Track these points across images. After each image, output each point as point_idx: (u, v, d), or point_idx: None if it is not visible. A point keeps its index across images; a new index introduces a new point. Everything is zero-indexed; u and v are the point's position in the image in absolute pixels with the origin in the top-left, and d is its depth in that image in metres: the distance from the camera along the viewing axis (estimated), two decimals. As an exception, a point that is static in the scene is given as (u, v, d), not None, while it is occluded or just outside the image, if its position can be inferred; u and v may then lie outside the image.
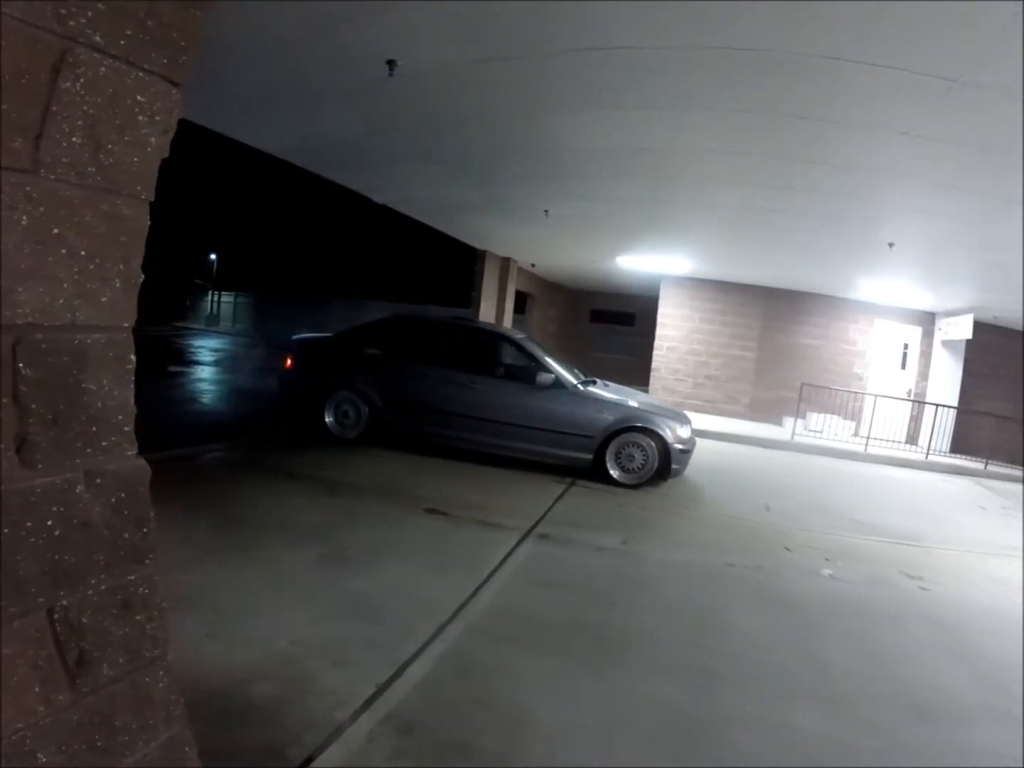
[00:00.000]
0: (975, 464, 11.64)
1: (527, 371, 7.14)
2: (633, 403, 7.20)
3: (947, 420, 12.14)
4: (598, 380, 7.61)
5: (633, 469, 6.82)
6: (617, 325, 18.96)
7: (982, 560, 6.25)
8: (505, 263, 13.50)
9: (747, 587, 4.58)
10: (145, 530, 1.27)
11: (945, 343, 13.07)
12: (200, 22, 1.24)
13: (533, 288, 16.40)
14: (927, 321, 13.36)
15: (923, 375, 13.39)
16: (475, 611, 3.46)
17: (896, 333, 13.45)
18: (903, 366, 13.50)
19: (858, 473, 9.91)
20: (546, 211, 8.23)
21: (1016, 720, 3.27)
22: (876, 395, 12.19)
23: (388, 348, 7.47)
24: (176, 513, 4.22)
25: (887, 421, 12.07)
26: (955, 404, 12.40)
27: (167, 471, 5.30)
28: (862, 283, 11.13)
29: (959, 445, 12.18)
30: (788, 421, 11.92)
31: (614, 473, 6.80)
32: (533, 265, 14.53)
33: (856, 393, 12.57)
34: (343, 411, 7.21)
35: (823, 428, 11.81)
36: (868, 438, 11.44)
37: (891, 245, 7.57)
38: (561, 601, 3.80)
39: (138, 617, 1.27)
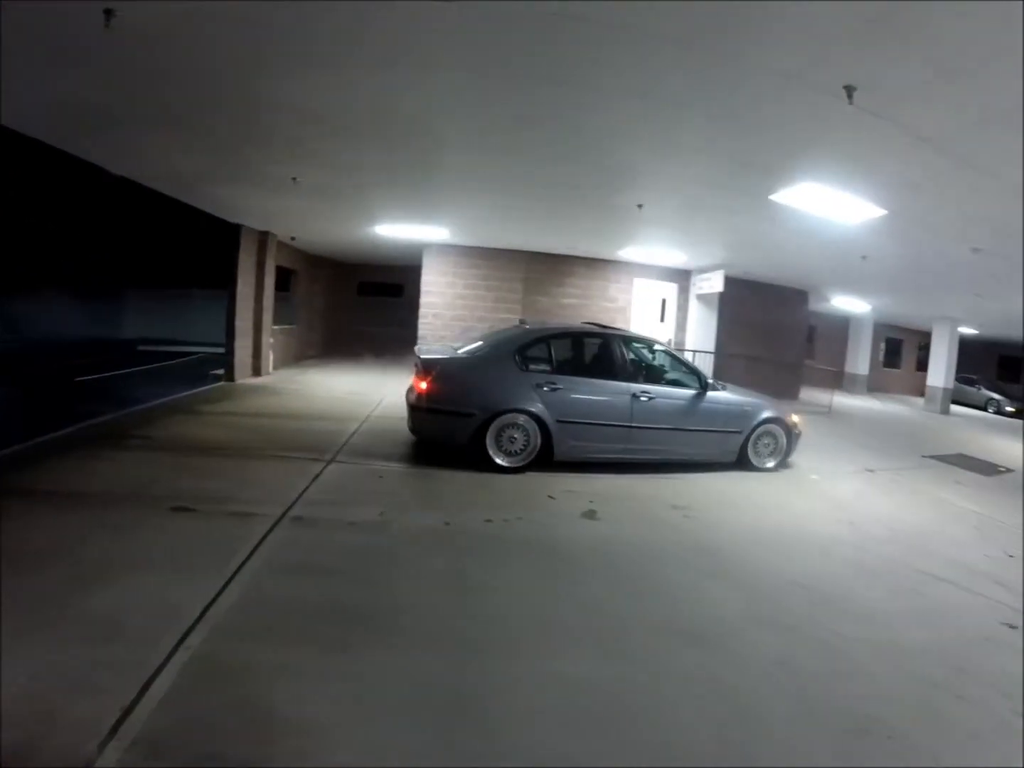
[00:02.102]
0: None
1: (687, 376, 7.80)
2: (763, 399, 8.36)
3: (707, 364, 13.63)
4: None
5: (767, 455, 8.07)
6: (385, 297, 19.18)
7: (741, 483, 7.37)
8: (263, 237, 13.06)
9: (508, 541, 4.81)
10: None
11: (700, 296, 14.67)
12: None
13: (296, 263, 16.02)
14: (683, 278, 15.18)
15: (681, 326, 15.14)
16: (221, 610, 3.37)
17: (654, 290, 15.06)
18: (662, 319, 15.09)
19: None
20: (294, 179, 8.01)
21: (775, 624, 3.83)
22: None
23: (550, 364, 7.35)
24: None
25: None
26: (712, 349, 13.92)
27: None
28: (619, 245, 12.27)
29: (719, 386, 13.84)
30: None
31: (757, 462, 7.98)
32: (293, 238, 14.20)
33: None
34: (509, 436, 6.89)
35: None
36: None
37: (640, 207, 8.27)
38: (319, 585, 3.79)
39: None
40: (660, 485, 6.87)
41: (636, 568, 4.53)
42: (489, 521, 5.18)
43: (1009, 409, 23.13)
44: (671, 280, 15.00)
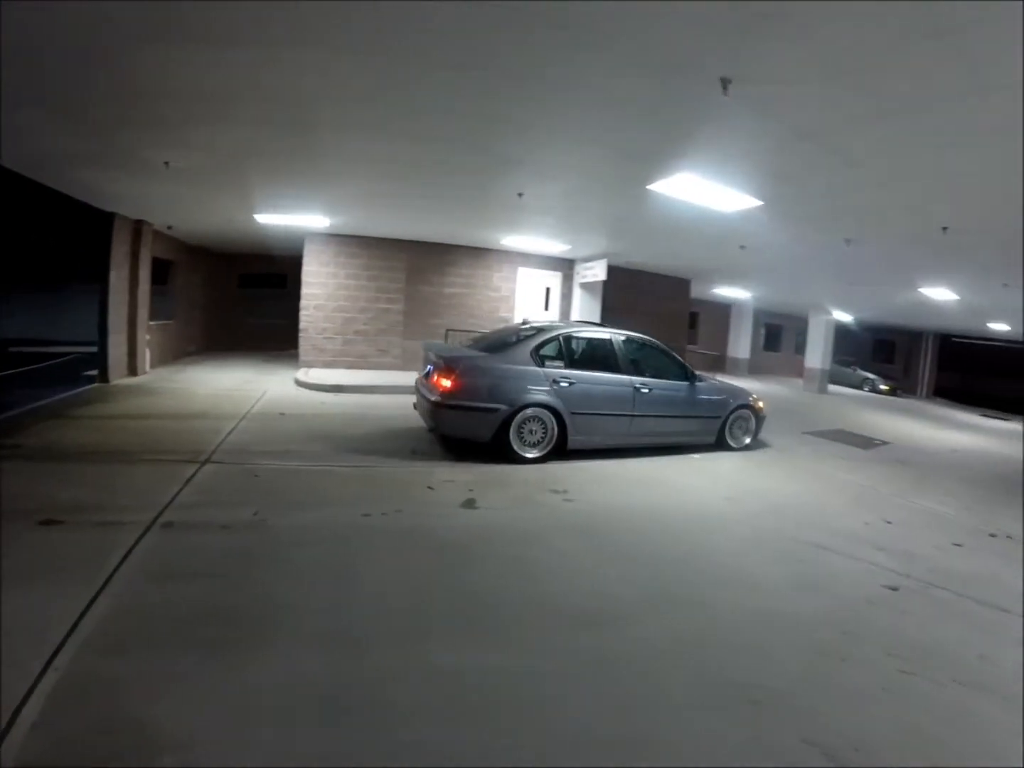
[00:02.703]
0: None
1: (677, 370, 8.73)
2: (736, 388, 9.56)
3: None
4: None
5: (740, 435, 9.23)
6: (268, 288, 18.86)
7: (623, 464, 7.72)
8: (138, 226, 12.45)
9: (386, 535, 4.77)
10: None
11: (583, 285, 15.25)
12: None
13: (174, 254, 15.46)
14: (567, 267, 15.81)
15: (565, 314, 15.69)
16: (91, 625, 3.19)
17: (539, 279, 15.63)
18: (546, 307, 15.59)
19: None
20: (166, 163, 7.73)
21: (663, 601, 3.95)
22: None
23: (563, 360, 7.93)
24: None
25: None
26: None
27: None
28: (502, 233, 12.59)
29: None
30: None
31: (733, 443, 9.13)
32: (170, 227, 13.74)
33: (503, 336, 13.99)
34: (529, 429, 7.43)
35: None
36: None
37: (520, 195, 8.46)
38: (191, 591, 3.66)
39: None
40: (542, 470, 7.12)
41: (518, 553, 4.57)
42: (367, 515, 5.14)
43: (883, 387, 25.12)
44: (555, 269, 15.60)
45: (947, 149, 5.09)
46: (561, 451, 7.53)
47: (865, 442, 11.33)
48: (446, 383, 7.15)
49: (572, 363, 7.93)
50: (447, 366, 7.29)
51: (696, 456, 8.50)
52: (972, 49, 3.43)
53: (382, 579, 3.97)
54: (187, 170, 7.97)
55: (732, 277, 16.90)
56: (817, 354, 21.33)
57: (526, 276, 15.30)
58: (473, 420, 7.22)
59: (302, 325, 13.89)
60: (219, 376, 13.05)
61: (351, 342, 13.94)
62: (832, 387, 22.57)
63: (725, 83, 4.12)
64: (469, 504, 5.66)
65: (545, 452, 7.45)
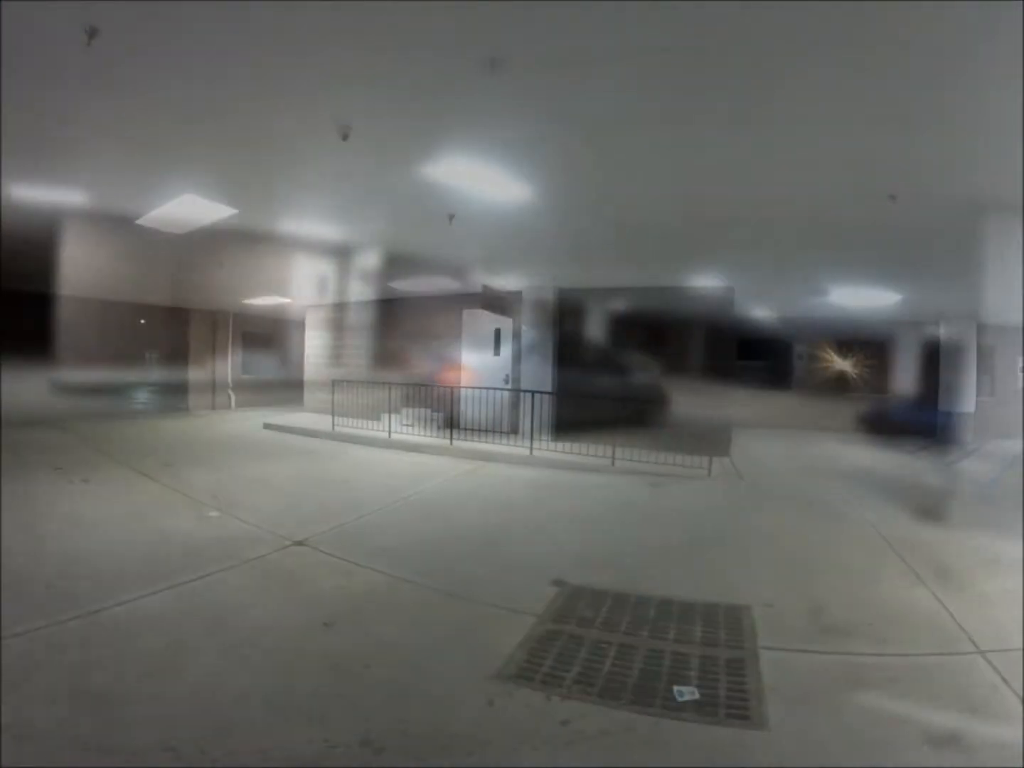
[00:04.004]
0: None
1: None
2: None
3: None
4: None
5: None
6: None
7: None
8: None
9: None
10: None
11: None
12: None
13: None
14: None
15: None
16: None
17: None
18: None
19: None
20: None
21: (423, 588, 4.30)
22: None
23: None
24: None
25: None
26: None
27: None
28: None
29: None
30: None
31: None
32: None
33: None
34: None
35: None
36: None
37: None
38: None
39: None
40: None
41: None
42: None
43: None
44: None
45: (701, 147, 5.30)
46: None
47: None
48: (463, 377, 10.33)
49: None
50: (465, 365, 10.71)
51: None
52: (735, 52, 3.59)
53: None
54: None
55: (512, 263, 16.82)
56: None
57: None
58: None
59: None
60: None
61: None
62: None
63: (494, 64, 3.94)
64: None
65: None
